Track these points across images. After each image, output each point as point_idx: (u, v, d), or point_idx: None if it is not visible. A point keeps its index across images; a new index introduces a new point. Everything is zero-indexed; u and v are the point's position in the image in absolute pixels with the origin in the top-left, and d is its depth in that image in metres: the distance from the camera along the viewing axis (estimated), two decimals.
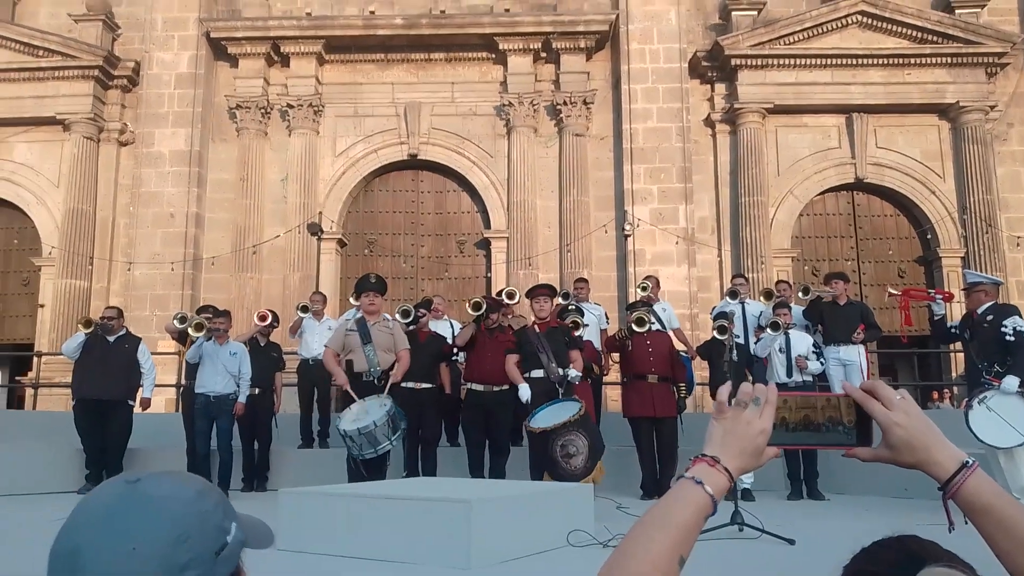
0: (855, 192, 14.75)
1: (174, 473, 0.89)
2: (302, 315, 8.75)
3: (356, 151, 14.83)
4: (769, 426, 1.07)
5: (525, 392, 6.22)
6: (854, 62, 14.21)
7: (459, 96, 14.90)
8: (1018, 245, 13.97)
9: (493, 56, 14.81)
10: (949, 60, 14.11)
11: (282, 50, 14.74)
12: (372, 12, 14.95)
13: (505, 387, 6.69)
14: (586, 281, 9.22)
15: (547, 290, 7.04)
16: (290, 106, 14.57)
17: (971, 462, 1.06)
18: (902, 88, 14.18)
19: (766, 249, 13.83)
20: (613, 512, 5.35)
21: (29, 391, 11.69)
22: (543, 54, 14.71)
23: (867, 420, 1.10)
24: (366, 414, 5.86)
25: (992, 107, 14.18)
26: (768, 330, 7.01)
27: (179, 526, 0.81)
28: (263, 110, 14.63)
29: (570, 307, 7.47)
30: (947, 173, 14.26)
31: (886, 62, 14.20)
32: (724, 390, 1.10)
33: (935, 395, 14.20)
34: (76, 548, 0.79)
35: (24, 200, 15.00)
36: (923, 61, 14.13)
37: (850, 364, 7.58)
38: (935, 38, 14.12)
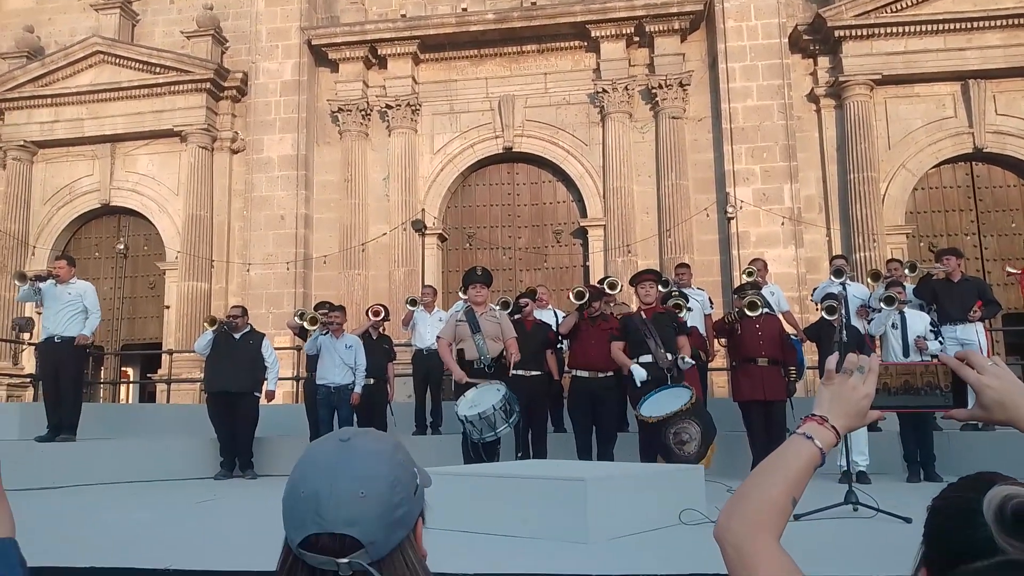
0: (974, 163, 13.94)
1: (370, 431, 1.05)
2: (411, 308, 9.04)
3: (453, 147, 15.11)
4: (872, 391, 1.21)
5: (640, 373, 6.21)
6: (968, 25, 13.40)
7: (552, 86, 14.95)
8: None
9: (585, 44, 14.78)
10: None
11: (379, 52, 15.16)
12: (464, 9, 15.16)
13: (610, 373, 6.72)
14: (688, 266, 9.10)
15: (652, 275, 7.01)
16: (389, 107, 14.98)
17: None
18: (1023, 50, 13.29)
19: (878, 226, 13.26)
20: (724, 494, 5.30)
21: (160, 387, 12.54)
22: (636, 38, 14.57)
23: (962, 385, 1.20)
24: (483, 400, 6.04)
25: None
26: (883, 305, 6.76)
27: (391, 473, 0.99)
28: (363, 112, 15.10)
29: (673, 292, 7.41)
30: None
31: (1005, 23, 13.32)
32: (832, 359, 1.24)
33: None
34: (315, 492, 0.96)
35: (148, 209, 16.03)
36: None
37: (969, 344, 7.16)
38: None
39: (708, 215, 13.76)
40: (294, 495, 0.98)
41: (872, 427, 7.24)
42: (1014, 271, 7.80)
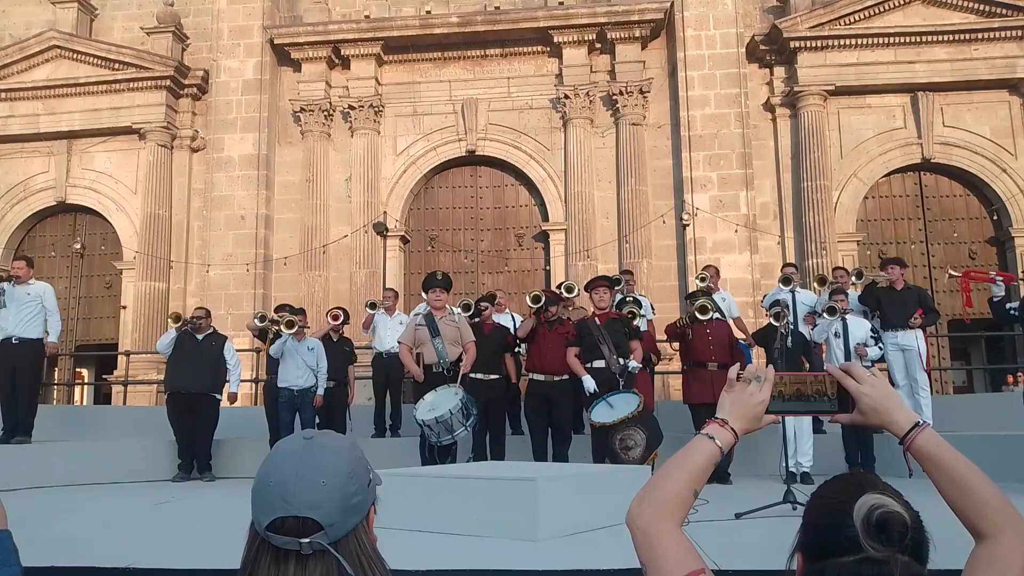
0: (922, 173, 14.44)
1: (331, 432, 1.22)
2: (371, 311, 9.12)
3: (416, 149, 15.19)
4: (767, 397, 1.41)
5: (590, 384, 6.42)
6: (918, 39, 13.89)
7: (515, 91, 15.11)
8: None
9: (548, 49, 14.96)
10: (1019, 33, 13.67)
11: (342, 53, 15.17)
12: (428, 12, 15.25)
13: (565, 376, 6.90)
14: (631, 273, 9.42)
15: (606, 282, 7.22)
16: (351, 107, 15.00)
17: (922, 422, 1.35)
18: (969, 64, 13.81)
19: (830, 234, 13.67)
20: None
21: (116, 388, 12.40)
22: (598, 45, 14.79)
23: (846, 393, 1.39)
24: (441, 404, 6.16)
25: None
26: (825, 315, 7.06)
27: (348, 466, 1.15)
28: (326, 112, 15.10)
29: (628, 299, 7.62)
30: (1019, 150, 13.84)
31: (952, 38, 13.84)
32: (733, 370, 1.44)
33: (1010, 378, 13.84)
34: (283, 481, 1.11)
35: (105, 207, 15.82)
36: (991, 35, 13.73)
37: (909, 349, 7.53)
38: (1003, 10, 13.68)
39: (665, 222, 14.05)
40: (264, 484, 1.12)
41: (817, 429, 7.53)
42: (956, 273, 8.20)
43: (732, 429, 1.41)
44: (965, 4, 13.85)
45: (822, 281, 8.40)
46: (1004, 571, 1.21)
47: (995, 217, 13.99)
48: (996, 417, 8.01)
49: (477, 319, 7.41)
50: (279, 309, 8.57)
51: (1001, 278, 6.54)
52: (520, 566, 3.65)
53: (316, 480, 1.10)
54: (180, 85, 15.61)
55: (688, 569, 1.26)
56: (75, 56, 15.62)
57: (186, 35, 16.09)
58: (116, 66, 15.57)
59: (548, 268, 14.81)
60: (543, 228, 14.93)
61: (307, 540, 1.07)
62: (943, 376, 13.86)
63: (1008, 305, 6.28)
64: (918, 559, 1.13)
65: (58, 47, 15.60)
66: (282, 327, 7.49)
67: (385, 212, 14.52)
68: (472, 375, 6.79)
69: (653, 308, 9.72)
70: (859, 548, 1.11)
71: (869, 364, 7.08)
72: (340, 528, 1.10)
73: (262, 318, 8.46)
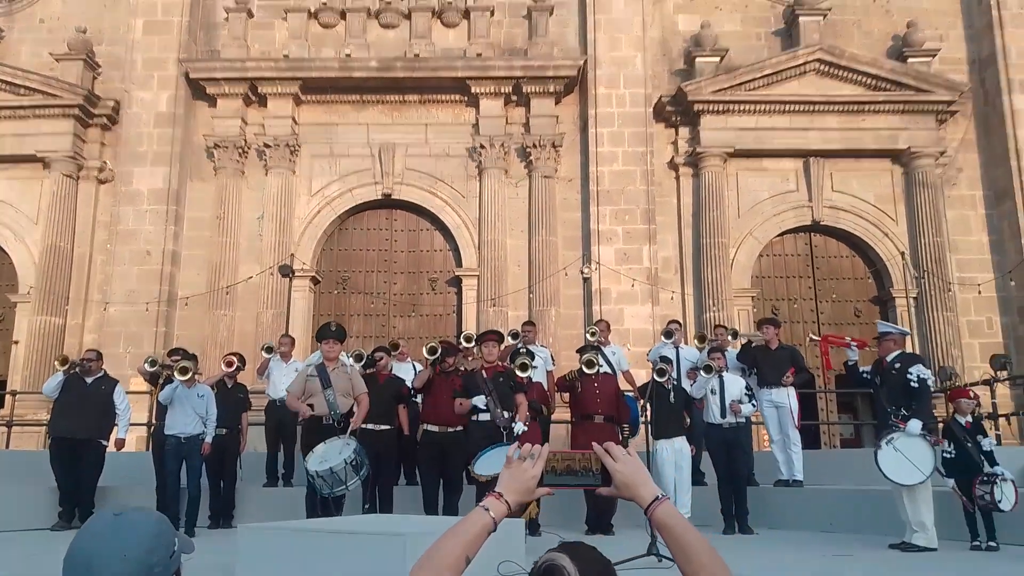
0: (812, 234, 15.31)
1: (142, 508, 1.39)
2: (267, 355, 9.09)
3: (331, 190, 15.23)
4: (539, 473, 1.61)
5: (479, 401, 6.61)
6: (811, 108, 14.84)
7: (432, 137, 15.37)
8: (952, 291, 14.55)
9: (465, 99, 15.31)
10: (902, 107, 14.77)
11: (260, 90, 15.16)
12: (348, 55, 15.42)
13: (459, 428, 7.04)
14: (533, 324, 9.70)
15: (495, 336, 7.48)
16: (267, 145, 14.96)
17: (661, 496, 1.58)
18: (857, 134, 14.82)
19: (727, 289, 14.31)
20: (552, 543, 5.61)
21: (1, 429, 11.86)
22: (514, 97, 15.23)
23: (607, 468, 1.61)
24: (332, 455, 6.20)
25: (942, 152, 14.84)
26: (702, 372, 7.46)
27: (149, 541, 1.30)
28: (240, 149, 15.02)
29: (521, 350, 7.85)
30: (900, 216, 14.86)
31: (842, 108, 14.84)
32: (512, 448, 1.65)
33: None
34: (88, 555, 1.26)
35: (3, 237, 15.23)
36: (877, 108, 14.79)
37: (781, 406, 8.00)
38: (888, 86, 14.78)
39: (567, 274, 14.46)
40: (72, 558, 1.28)
41: (697, 481, 7.88)
42: (816, 338, 8.83)
43: (507, 501, 1.61)
44: (856, 78, 14.89)
45: (701, 339, 8.89)
46: None
47: (870, 280, 14.94)
48: (869, 472, 8.50)
49: (371, 369, 7.50)
50: (172, 353, 8.46)
51: (855, 343, 7.06)
52: None
53: (118, 554, 1.26)
54: (89, 114, 15.28)
55: None
56: None
57: (98, 63, 15.78)
58: (22, 91, 15.14)
59: (460, 313, 14.97)
60: (456, 273, 15.12)
61: None
62: (831, 430, 14.59)
63: (861, 369, 6.79)
64: None
65: None
66: (175, 373, 7.40)
67: (292, 255, 14.45)
68: (364, 425, 6.86)
69: (553, 359, 10.00)
70: None
71: (744, 419, 7.52)
72: None
73: (152, 363, 8.32)
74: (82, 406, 7.80)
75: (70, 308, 14.66)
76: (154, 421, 8.72)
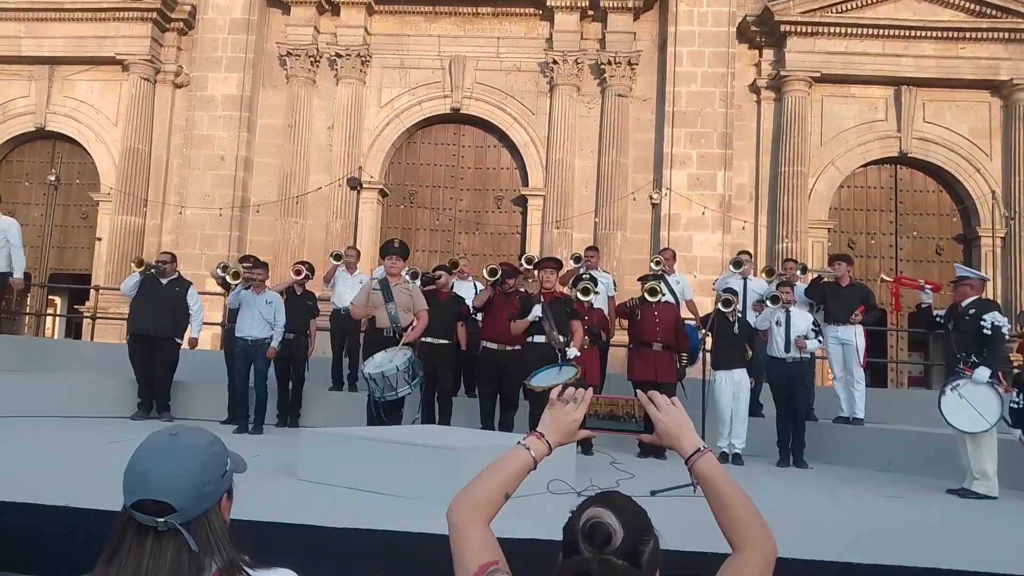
0: (898, 166, 14.61)
1: (197, 429, 1.44)
2: (335, 262, 9.28)
3: (400, 103, 15.14)
4: (580, 416, 1.64)
5: (535, 311, 6.65)
6: (907, 33, 13.94)
7: (504, 52, 15.04)
8: None
9: (540, 12, 14.87)
10: (1006, 35, 13.76)
11: None
12: None
13: (517, 347, 7.11)
14: (596, 249, 9.58)
15: (553, 263, 7.52)
16: (338, 55, 14.89)
17: (703, 448, 1.60)
18: (954, 62, 13.90)
19: (803, 219, 13.86)
20: (605, 466, 5.74)
21: (87, 321, 12.50)
22: (590, 12, 14.71)
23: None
24: (389, 361, 6.36)
25: None
26: (768, 303, 7.29)
27: (201, 460, 1.37)
28: (312, 58, 14.99)
29: (584, 275, 7.81)
30: (994, 151, 14.03)
31: (940, 35, 13.89)
32: (556, 391, 1.66)
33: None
34: (146, 470, 1.34)
35: (85, 137, 15.72)
36: (978, 36, 13.80)
37: (847, 344, 7.79)
38: (993, 11, 13.72)
39: (635, 199, 14.16)
40: (131, 470, 1.35)
41: (755, 413, 7.81)
42: (888, 279, 8.49)
43: (547, 442, 1.63)
44: (956, 2, 13.87)
45: (770, 272, 8.63)
46: None
47: (955, 218, 14.22)
48: (933, 414, 8.31)
49: (431, 286, 7.59)
50: (243, 260, 8.68)
51: (929, 286, 6.77)
52: (434, 530, 3.87)
53: (173, 472, 1.33)
54: (167, 18, 15.42)
55: (484, 560, 1.47)
56: None
57: None
58: None
59: (524, 233, 14.93)
60: (523, 192, 15.02)
61: (163, 520, 1.30)
62: (899, 367, 14.24)
63: (935, 312, 6.52)
64: (634, 563, 1.33)
65: None
66: (228, 277, 7.64)
67: (360, 167, 14.52)
68: (424, 339, 6.99)
69: (615, 284, 9.90)
70: (579, 550, 1.36)
71: (808, 355, 7.37)
72: (191, 512, 1.32)
73: (224, 267, 8.59)
74: (157, 306, 8.11)
75: (148, 209, 15.17)
76: (227, 323, 9.04)
